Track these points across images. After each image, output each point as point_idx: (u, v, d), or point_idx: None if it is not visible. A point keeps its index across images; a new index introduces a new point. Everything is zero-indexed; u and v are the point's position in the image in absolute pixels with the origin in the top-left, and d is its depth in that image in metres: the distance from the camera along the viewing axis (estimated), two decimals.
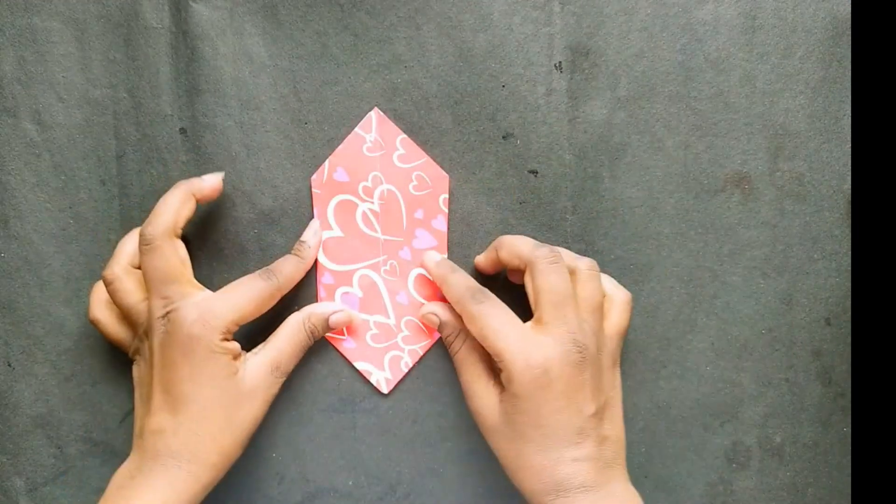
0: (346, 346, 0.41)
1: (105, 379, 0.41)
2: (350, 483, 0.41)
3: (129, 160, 0.41)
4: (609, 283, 0.39)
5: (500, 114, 0.40)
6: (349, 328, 0.41)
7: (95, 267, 0.41)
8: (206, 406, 0.35)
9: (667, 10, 0.40)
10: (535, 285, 0.35)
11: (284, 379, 0.38)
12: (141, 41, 0.40)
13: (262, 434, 0.40)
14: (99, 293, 0.39)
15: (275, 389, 0.38)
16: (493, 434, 0.36)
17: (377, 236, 0.41)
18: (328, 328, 0.40)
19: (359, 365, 0.41)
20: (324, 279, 0.41)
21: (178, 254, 0.37)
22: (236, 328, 0.36)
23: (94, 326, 0.39)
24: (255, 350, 0.38)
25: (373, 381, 0.41)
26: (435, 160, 0.40)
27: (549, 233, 0.41)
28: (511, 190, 0.40)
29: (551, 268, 0.35)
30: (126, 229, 0.41)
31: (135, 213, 0.41)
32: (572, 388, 0.34)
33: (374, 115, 0.40)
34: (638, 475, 0.41)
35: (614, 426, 0.36)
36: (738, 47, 0.40)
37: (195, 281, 0.37)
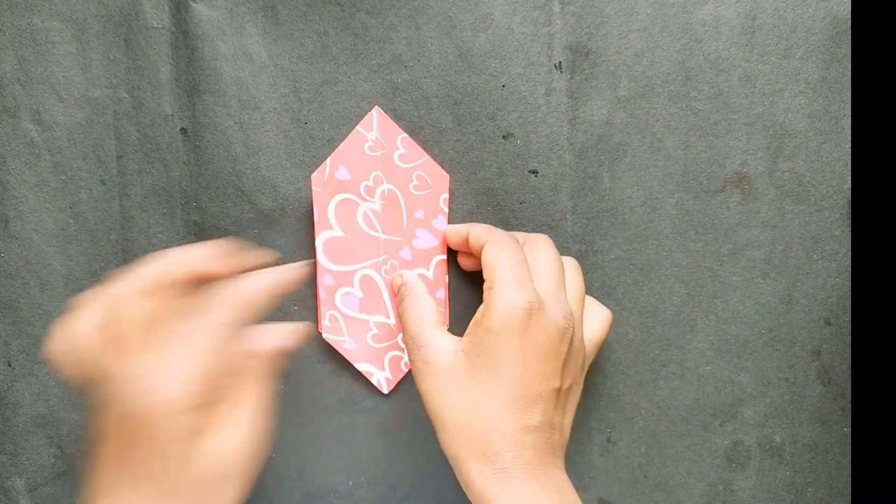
0: (347, 346, 0.41)
1: None
2: (350, 484, 0.41)
3: (130, 160, 0.41)
4: (591, 300, 0.39)
5: (500, 114, 0.40)
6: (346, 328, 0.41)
7: (95, 267, 0.41)
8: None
9: (667, 11, 0.40)
10: (483, 259, 0.35)
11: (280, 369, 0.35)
12: (141, 41, 0.40)
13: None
14: None
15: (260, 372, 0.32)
16: (438, 383, 0.33)
17: (378, 236, 0.41)
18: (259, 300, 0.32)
19: (360, 366, 0.41)
20: (324, 281, 0.41)
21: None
22: None
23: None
24: None
25: (374, 381, 0.41)
26: (435, 160, 0.40)
27: (549, 233, 0.40)
28: (511, 190, 0.40)
29: (498, 240, 0.35)
30: (126, 230, 0.41)
31: (135, 213, 0.41)
32: (546, 348, 0.32)
33: (376, 114, 0.40)
34: (637, 475, 0.41)
35: (566, 421, 0.34)
36: (738, 47, 0.40)
37: None
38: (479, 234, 0.36)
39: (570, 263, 0.37)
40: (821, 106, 0.40)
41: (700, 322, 0.41)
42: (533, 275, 0.34)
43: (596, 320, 0.37)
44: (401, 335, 0.41)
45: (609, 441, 0.41)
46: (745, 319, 0.41)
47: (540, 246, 0.36)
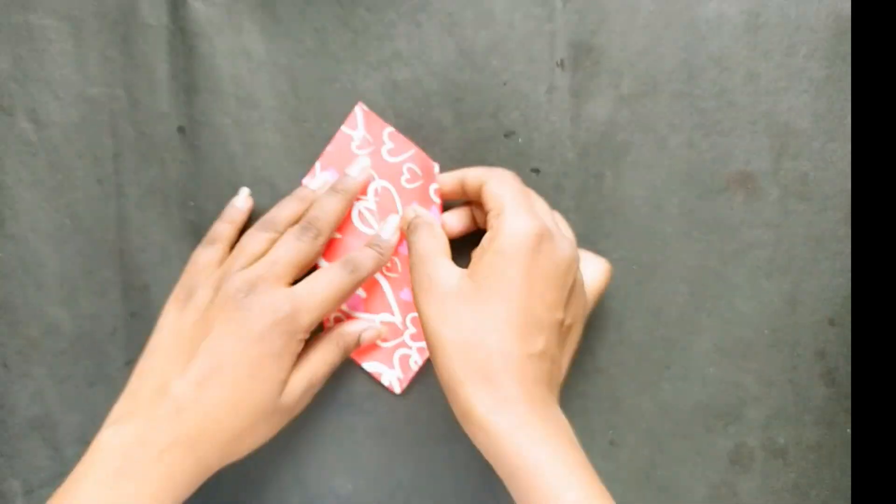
0: None
1: (101, 380, 0.41)
2: (350, 487, 0.41)
3: (127, 159, 0.41)
4: (588, 253, 0.39)
5: (501, 111, 0.40)
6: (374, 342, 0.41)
7: (92, 267, 0.41)
8: (247, 408, 0.34)
9: (670, 8, 0.40)
10: (485, 192, 0.35)
11: (312, 398, 0.38)
12: (138, 39, 0.40)
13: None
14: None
15: (302, 408, 0.37)
16: (442, 304, 0.32)
17: (375, 234, 0.40)
18: (359, 344, 0.40)
19: (368, 366, 0.41)
20: None
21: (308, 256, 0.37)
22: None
23: (210, 239, 0.39)
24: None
25: (384, 382, 0.41)
26: (436, 158, 0.40)
27: None
28: None
29: (498, 175, 0.36)
30: (123, 229, 0.41)
31: (132, 212, 0.41)
32: (554, 277, 0.32)
33: (360, 111, 0.40)
34: (640, 478, 0.41)
35: (564, 360, 0.34)
36: (742, 45, 0.40)
37: None
38: (479, 173, 0.37)
39: (602, 263, 0.38)
40: (825, 104, 0.40)
41: (704, 323, 0.41)
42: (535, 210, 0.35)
43: (596, 270, 0.38)
44: (408, 332, 0.41)
45: (612, 443, 0.41)
46: (749, 320, 0.41)
47: (533, 193, 0.37)
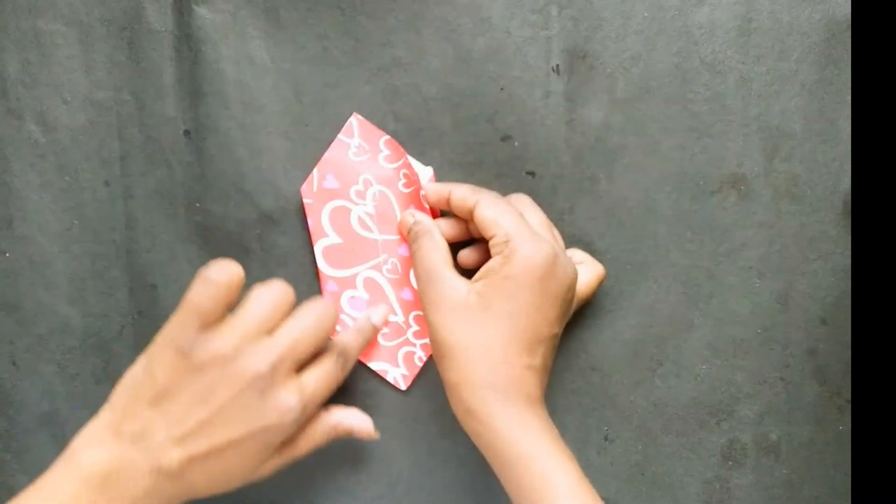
0: None
1: (109, 378, 0.42)
2: (350, 480, 0.42)
3: (133, 162, 0.41)
4: (583, 254, 0.40)
5: (498, 116, 0.40)
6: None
7: (99, 267, 0.41)
8: (230, 484, 0.35)
9: (663, 14, 0.40)
10: (477, 217, 0.36)
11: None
12: (144, 44, 0.40)
13: None
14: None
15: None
16: (451, 316, 0.35)
17: (374, 237, 0.41)
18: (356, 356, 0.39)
19: (373, 365, 0.41)
20: (328, 287, 0.41)
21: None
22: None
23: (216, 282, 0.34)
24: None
25: (390, 379, 0.41)
26: (434, 161, 0.41)
27: None
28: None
29: (488, 198, 0.37)
30: (130, 230, 0.41)
31: (139, 214, 0.41)
32: (559, 297, 0.35)
33: (355, 121, 0.40)
34: (634, 473, 0.41)
35: (548, 366, 0.36)
36: (734, 50, 0.40)
37: None
38: (465, 194, 0.37)
39: (597, 268, 0.39)
40: (816, 108, 0.40)
41: (697, 321, 0.41)
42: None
43: (590, 275, 0.39)
44: (411, 331, 0.41)
45: (606, 439, 0.41)
46: (742, 319, 0.41)
47: (524, 202, 0.39)
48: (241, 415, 0.33)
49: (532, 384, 0.35)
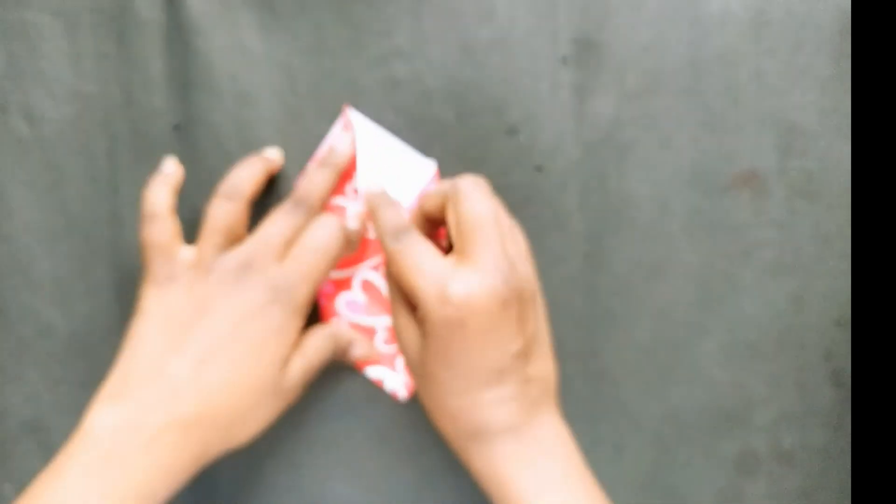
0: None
1: (95, 382, 0.41)
2: (348, 492, 0.41)
3: (121, 157, 0.41)
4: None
5: (503, 109, 0.40)
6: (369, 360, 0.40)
7: (86, 267, 0.41)
8: (247, 387, 0.34)
9: (675, 4, 0.40)
10: (458, 211, 0.32)
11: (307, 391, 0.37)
12: (133, 35, 0.40)
13: (254, 441, 0.40)
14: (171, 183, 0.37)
15: (299, 396, 0.37)
16: (414, 374, 0.34)
17: (371, 236, 0.40)
18: (346, 354, 0.39)
19: (371, 371, 0.40)
20: (324, 289, 0.40)
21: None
22: None
23: (150, 214, 0.36)
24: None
25: (387, 388, 0.40)
26: (437, 156, 0.40)
27: (554, 231, 0.40)
28: (516, 186, 0.40)
29: (475, 190, 0.32)
30: (117, 227, 0.41)
31: (126, 210, 0.41)
32: (494, 325, 0.31)
33: (350, 114, 0.40)
34: (646, 482, 0.41)
35: (543, 362, 0.33)
36: (747, 42, 0.40)
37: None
38: (439, 189, 0.34)
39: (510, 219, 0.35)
40: (830, 102, 0.40)
41: (710, 325, 0.41)
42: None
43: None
44: None
45: (617, 447, 0.41)
46: (756, 322, 0.41)
47: (463, 194, 0.33)
48: (232, 307, 0.34)
49: (507, 414, 0.32)
